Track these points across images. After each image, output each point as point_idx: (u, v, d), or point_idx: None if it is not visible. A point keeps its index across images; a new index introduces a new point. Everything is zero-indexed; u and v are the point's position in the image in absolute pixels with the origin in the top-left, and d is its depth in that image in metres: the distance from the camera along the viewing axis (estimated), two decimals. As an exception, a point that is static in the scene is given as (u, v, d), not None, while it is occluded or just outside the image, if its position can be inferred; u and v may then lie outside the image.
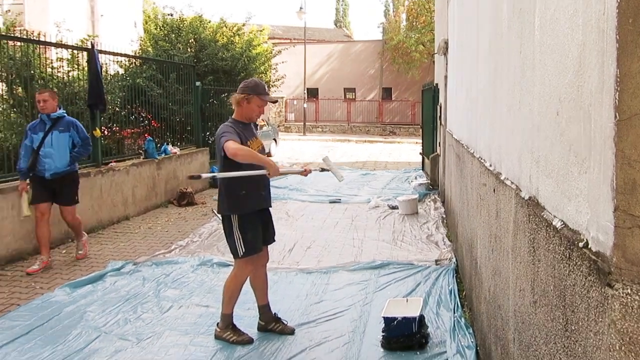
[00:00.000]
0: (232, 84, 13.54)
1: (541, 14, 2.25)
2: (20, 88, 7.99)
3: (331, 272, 6.02)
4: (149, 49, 13.20)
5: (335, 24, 64.02)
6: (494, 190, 3.38)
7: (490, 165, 3.67)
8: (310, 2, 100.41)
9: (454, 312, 4.78)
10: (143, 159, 9.55)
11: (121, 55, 9.85)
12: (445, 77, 9.37)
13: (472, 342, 4.19)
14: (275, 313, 4.60)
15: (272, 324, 4.53)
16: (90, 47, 8.37)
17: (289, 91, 33.46)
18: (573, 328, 1.76)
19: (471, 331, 4.37)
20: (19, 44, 7.76)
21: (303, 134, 30.62)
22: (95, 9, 23.24)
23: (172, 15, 14.38)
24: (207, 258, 6.44)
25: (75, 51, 8.54)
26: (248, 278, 4.44)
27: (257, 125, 4.46)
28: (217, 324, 4.44)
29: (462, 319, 4.61)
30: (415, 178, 13.16)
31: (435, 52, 11.91)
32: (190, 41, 13.44)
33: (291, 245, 7.18)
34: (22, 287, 5.63)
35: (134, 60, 11.10)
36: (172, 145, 10.89)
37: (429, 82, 13.89)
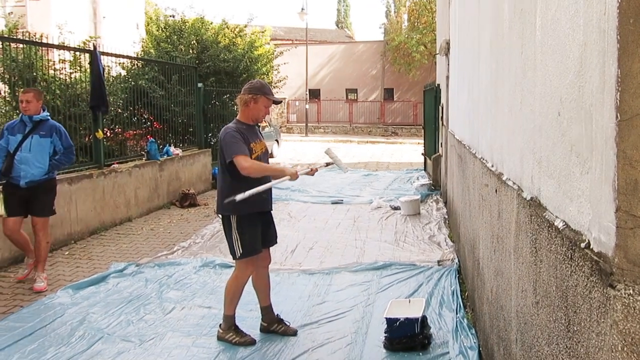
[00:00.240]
0: (234, 86, 13.55)
1: (542, 14, 2.25)
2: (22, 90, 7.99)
3: (333, 273, 6.02)
4: (151, 50, 13.22)
5: (337, 25, 64.02)
6: (496, 190, 3.38)
7: (492, 166, 3.66)
8: (311, 3, 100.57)
9: (457, 313, 4.77)
10: (145, 160, 9.56)
11: (123, 56, 9.87)
12: (447, 77, 9.37)
13: (474, 342, 4.18)
14: (277, 314, 4.61)
15: (274, 325, 4.53)
16: (92, 49, 8.38)
17: (291, 92, 33.47)
18: (575, 329, 1.76)
19: (474, 332, 4.36)
20: (21, 46, 7.78)
21: (305, 135, 30.64)
22: (97, 11, 23.30)
23: (174, 16, 14.39)
24: (209, 259, 6.45)
25: (77, 53, 8.55)
26: (250, 279, 4.44)
27: (260, 125, 4.46)
28: (220, 325, 4.44)
29: (465, 320, 4.60)
30: (418, 179, 13.15)
31: (437, 52, 11.91)
32: (192, 43, 13.45)
33: (293, 247, 7.19)
34: (25, 289, 5.63)
35: (136, 62, 11.11)
36: (175, 147, 10.90)
37: (431, 83, 13.89)
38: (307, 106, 31.84)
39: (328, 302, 5.22)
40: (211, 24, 14.29)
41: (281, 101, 4.80)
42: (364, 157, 19.69)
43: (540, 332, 2.23)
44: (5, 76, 7.79)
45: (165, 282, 5.77)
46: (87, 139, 8.60)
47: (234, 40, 14.05)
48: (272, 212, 4.54)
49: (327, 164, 4.80)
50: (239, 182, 4.11)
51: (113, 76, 9.93)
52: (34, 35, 8.29)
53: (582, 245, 1.67)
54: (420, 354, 4.11)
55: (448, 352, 4.12)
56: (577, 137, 1.77)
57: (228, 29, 14.32)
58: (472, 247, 4.84)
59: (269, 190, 4.39)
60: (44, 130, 5.68)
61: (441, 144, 10.93)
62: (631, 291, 1.42)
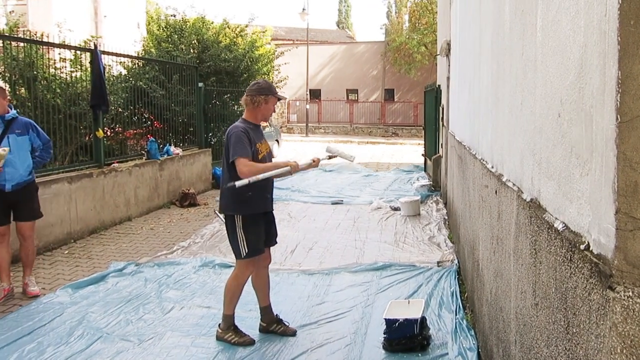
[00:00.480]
0: (235, 85, 13.55)
1: (543, 15, 2.25)
2: (23, 89, 8.00)
3: (333, 273, 6.02)
4: (152, 50, 13.21)
5: (338, 25, 64.05)
6: (496, 192, 3.38)
7: (492, 167, 3.66)
8: (313, 4, 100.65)
9: (456, 314, 4.77)
10: (145, 159, 9.56)
11: (124, 56, 9.87)
12: (448, 78, 9.37)
13: (473, 344, 4.18)
14: (277, 314, 4.60)
15: (273, 326, 4.52)
16: (93, 48, 8.38)
17: (292, 92, 33.47)
18: (574, 331, 1.75)
19: (473, 333, 4.36)
20: (22, 44, 7.78)
21: (305, 135, 30.63)
22: (98, 10, 23.30)
23: (174, 16, 14.39)
24: (209, 259, 6.44)
25: (78, 52, 8.55)
26: (250, 279, 4.44)
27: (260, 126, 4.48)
28: (219, 325, 4.44)
29: (464, 321, 4.60)
30: (418, 179, 13.15)
31: (438, 53, 11.91)
32: (193, 42, 13.44)
33: (293, 247, 7.18)
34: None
35: (137, 61, 11.12)
36: (175, 146, 10.90)
37: (432, 84, 13.89)
38: (307, 106, 31.85)
39: (327, 302, 5.21)
40: (212, 23, 14.28)
41: (285, 98, 4.82)
42: (365, 158, 19.68)
43: (539, 333, 2.22)
44: (6, 75, 7.78)
45: (165, 281, 5.77)
46: (87, 138, 8.61)
47: (234, 40, 14.04)
48: (273, 212, 4.55)
49: (330, 157, 4.80)
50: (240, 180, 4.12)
51: (114, 75, 9.93)
52: (35, 34, 8.28)
53: (582, 247, 1.67)
54: (420, 355, 4.11)
55: (447, 353, 4.12)
56: (577, 138, 1.77)
57: (229, 28, 14.32)
58: (471, 248, 4.84)
59: (271, 190, 4.40)
60: (19, 128, 5.33)
61: (441, 144, 10.93)
62: (630, 293, 1.42)
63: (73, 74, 8.64)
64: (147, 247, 7.26)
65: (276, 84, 16.11)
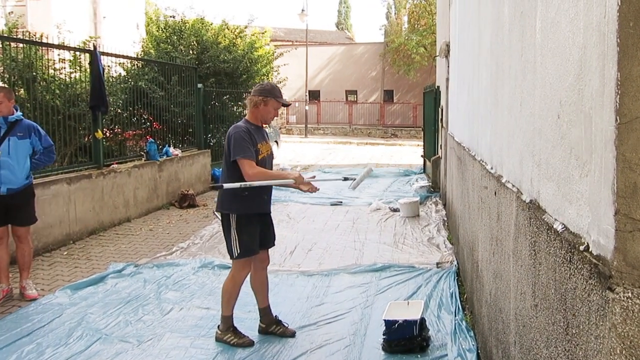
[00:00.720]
0: (234, 86, 13.56)
1: (542, 16, 2.25)
2: (22, 90, 8.00)
3: (332, 274, 6.02)
4: (151, 51, 13.22)
5: (337, 27, 64.07)
6: (495, 193, 3.38)
7: (492, 168, 3.66)
8: (312, 5, 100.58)
9: (455, 315, 4.77)
10: (145, 160, 9.56)
11: (123, 57, 9.86)
12: (447, 79, 9.37)
13: (473, 345, 4.18)
14: (276, 315, 4.60)
15: (273, 327, 4.52)
16: (92, 49, 8.38)
17: (291, 93, 33.47)
18: (574, 331, 1.75)
19: (472, 334, 4.36)
20: (21, 45, 7.78)
21: (304, 136, 30.64)
22: (97, 11, 23.31)
23: (174, 17, 14.40)
24: (208, 260, 6.44)
25: (77, 53, 8.55)
26: (248, 280, 4.44)
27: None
28: (218, 326, 4.44)
29: (463, 322, 4.60)
30: (417, 180, 13.15)
31: (437, 54, 11.92)
32: (192, 43, 13.45)
33: (292, 248, 7.18)
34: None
35: (136, 62, 11.12)
36: (174, 147, 10.90)
37: (431, 85, 13.90)
38: (306, 107, 31.85)
39: (327, 303, 5.21)
40: (211, 24, 14.29)
41: (290, 104, 4.80)
42: (364, 159, 19.69)
43: (539, 334, 2.23)
44: (5, 76, 7.78)
45: (164, 282, 5.77)
46: (86, 139, 8.60)
47: (234, 41, 14.05)
48: (271, 214, 4.55)
49: (345, 179, 4.84)
50: (240, 181, 4.13)
51: (113, 76, 9.93)
52: (34, 35, 8.29)
53: (581, 248, 1.67)
54: (419, 356, 4.11)
55: (446, 355, 4.12)
56: (576, 139, 1.77)
57: (228, 29, 14.32)
58: (471, 249, 4.84)
59: (269, 192, 4.39)
60: (21, 131, 5.29)
61: (441, 146, 10.93)
62: (630, 294, 1.42)
63: (72, 75, 8.64)
64: (146, 248, 7.25)
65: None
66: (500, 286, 3.18)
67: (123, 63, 10.61)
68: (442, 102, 10.58)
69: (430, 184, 11.82)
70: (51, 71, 8.36)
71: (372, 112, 35.25)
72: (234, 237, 4.20)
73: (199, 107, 12.03)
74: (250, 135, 4.19)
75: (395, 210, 9.49)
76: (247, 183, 4.09)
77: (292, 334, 4.50)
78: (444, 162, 9.89)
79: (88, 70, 8.50)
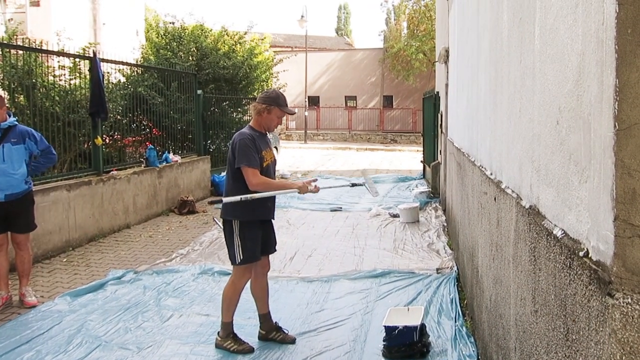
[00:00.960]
0: (234, 93, 13.58)
1: (541, 23, 2.26)
2: (22, 96, 8.01)
3: (332, 280, 6.01)
4: (151, 57, 13.25)
5: (337, 32, 64.24)
6: (495, 198, 3.38)
7: (491, 174, 3.67)
8: (311, 11, 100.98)
9: (455, 321, 4.77)
10: (144, 167, 9.56)
11: (123, 63, 9.88)
12: (446, 85, 9.39)
13: (473, 351, 4.18)
14: (276, 322, 4.60)
15: (273, 333, 4.52)
16: (92, 55, 8.40)
17: (290, 99, 33.49)
18: (574, 337, 1.75)
19: (472, 340, 4.35)
20: (21, 52, 7.79)
21: (304, 142, 30.66)
22: (97, 18, 23.38)
23: (173, 23, 14.43)
24: (208, 266, 6.44)
25: (77, 59, 8.57)
26: (248, 286, 4.44)
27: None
28: (218, 332, 4.43)
29: (464, 328, 4.59)
30: (417, 186, 13.16)
31: (436, 60, 11.95)
32: (191, 49, 13.48)
33: (292, 254, 7.18)
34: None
35: (136, 69, 11.14)
36: (174, 154, 10.91)
37: (430, 90, 13.92)
38: (306, 113, 31.88)
39: (327, 309, 5.21)
40: (211, 31, 14.32)
41: (294, 113, 4.80)
42: (363, 165, 19.69)
43: (539, 340, 2.22)
44: (5, 82, 7.80)
45: (164, 289, 5.76)
46: (86, 145, 8.61)
47: (233, 47, 14.08)
48: (273, 220, 4.56)
49: (354, 184, 4.85)
50: (244, 189, 4.15)
51: (112, 83, 9.95)
52: (34, 42, 8.30)
53: (581, 253, 1.67)
54: (419, 362, 4.10)
55: (447, 361, 4.11)
56: (575, 145, 1.78)
57: (228, 36, 14.35)
58: (471, 255, 4.84)
59: (273, 199, 4.40)
60: (15, 137, 5.24)
61: (440, 151, 10.94)
62: (630, 300, 1.42)
63: (72, 82, 8.65)
64: (145, 255, 7.25)
65: (275, 90, 16.09)
66: (500, 292, 3.18)
67: (122, 69, 10.63)
68: (442, 108, 10.60)
69: (430, 189, 11.83)
70: (51, 78, 8.38)
71: (371, 118, 35.29)
72: (237, 243, 4.20)
73: (199, 114, 12.04)
74: (254, 143, 4.20)
75: (395, 215, 9.48)
76: (248, 195, 4.11)
77: (292, 341, 4.49)
78: (444, 167, 9.90)
79: (88, 76, 8.51)
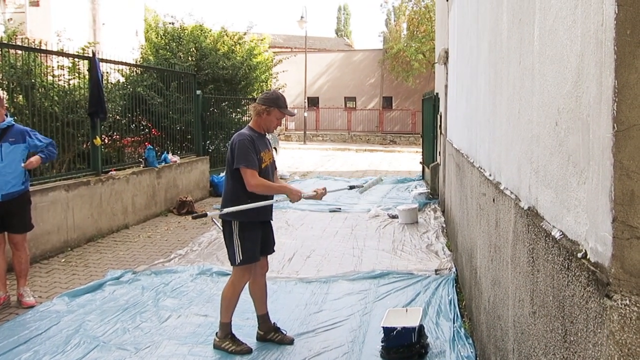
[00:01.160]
0: (233, 93, 13.57)
1: (540, 24, 2.26)
2: (21, 96, 8.00)
3: (331, 281, 6.00)
4: (150, 57, 13.24)
5: (337, 33, 64.27)
6: (494, 200, 3.38)
7: (490, 175, 3.67)
8: (311, 11, 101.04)
9: (454, 322, 4.76)
10: (143, 167, 9.55)
11: (122, 63, 9.88)
12: (446, 86, 9.39)
13: (471, 352, 4.17)
14: (274, 322, 4.59)
15: (271, 334, 4.51)
16: (91, 55, 8.39)
17: (290, 100, 33.40)
18: (572, 339, 1.75)
19: (471, 341, 4.35)
20: (20, 52, 7.78)
21: (303, 143, 30.65)
22: (97, 18, 23.38)
23: (173, 24, 14.43)
24: (206, 267, 6.43)
25: (76, 59, 8.56)
26: (246, 287, 4.43)
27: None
28: (216, 333, 4.43)
29: (462, 329, 4.59)
30: (416, 187, 13.16)
31: (436, 61, 11.95)
32: (191, 50, 13.48)
33: (291, 255, 7.17)
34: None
35: (135, 69, 11.13)
36: (173, 154, 10.90)
37: (430, 91, 13.92)
38: (305, 114, 31.88)
39: (325, 310, 5.20)
40: (210, 31, 14.33)
41: (294, 114, 4.80)
42: (362, 166, 19.70)
43: (537, 342, 2.22)
44: (4, 82, 7.79)
45: (162, 289, 5.75)
46: (85, 145, 8.60)
47: (232, 47, 14.08)
48: (271, 221, 4.56)
49: (351, 187, 4.87)
50: (243, 189, 4.14)
51: (112, 83, 9.94)
52: (33, 42, 8.29)
53: (579, 255, 1.67)
54: (417, 363, 4.10)
55: (445, 362, 4.11)
56: (574, 147, 1.78)
57: (227, 36, 14.36)
58: (469, 256, 4.84)
59: (271, 200, 4.40)
60: (13, 137, 5.26)
61: (439, 152, 10.94)
62: (627, 302, 1.42)
63: (71, 82, 8.64)
64: (144, 255, 7.24)
65: (274, 91, 16.09)
66: (498, 293, 3.18)
67: (122, 69, 10.62)
68: (441, 109, 10.60)
69: (429, 190, 11.82)
70: (50, 78, 8.37)
71: (370, 119, 35.30)
72: (237, 243, 4.20)
73: (198, 114, 12.04)
74: (253, 144, 4.20)
75: (394, 217, 9.48)
76: (242, 207, 4.11)
77: (290, 341, 4.49)
78: (443, 168, 9.90)
79: (87, 76, 8.50)
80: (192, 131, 12.12)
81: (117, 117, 9.80)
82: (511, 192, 2.87)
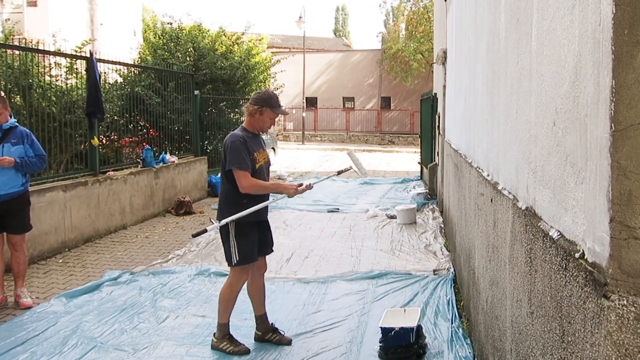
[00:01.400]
0: (231, 93, 13.56)
1: (538, 24, 2.26)
2: (18, 97, 7.98)
3: (329, 281, 6.00)
4: (148, 57, 13.23)
5: (335, 33, 64.32)
6: (492, 200, 3.38)
7: (488, 175, 3.66)
8: (309, 12, 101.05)
9: (452, 323, 4.76)
10: (141, 167, 9.54)
11: (120, 63, 9.86)
12: (444, 86, 9.39)
13: (469, 352, 4.17)
14: (272, 323, 4.58)
15: (269, 334, 4.50)
16: (89, 55, 8.38)
17: (288, 100, 33.53)
18: (569, 339, 1.75)
19: (469, 342, 4.35)
20: (17, 52, 7.77)
21: (302, 143, 30.65)
22: (94, 18, 23.35)
23: (171, 24, 14.43)
24: (204, 267, 6.42)
25: (74, 59, 8.54)
26: (245, 287, 4.42)
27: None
28: (214, 334, 4.42)
29: (460, 330, 4.59)
30: (414, 187, 13.16)
31: (434, 61, 11.95)
32: (189, 50, 13.47)
33: (289, 255, 7.16)
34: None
35: (133, 69, 11.12)
36: (170, 154, 10.88)
37: (428, 92, 13.93)
38: (304, 114, 31.88)
39: (323, 311, 5.19)
40: (208, 31, 14.32)
41: (287, 113, 4.81)
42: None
43: (534, 342, 2.22)
44: (1, 83, 7.77)
45: (160, 290, 5.74)
46: (82, 146, 8.59)
47: (231, 47, 14.07)
48: (268, 220, 4.55)
49: (340, 172, 4.83)
50: (237, 191, 4.14)
51: (109, 83, 9.93)
52: (31, 42, 8.28)
53: (577, 255, 1.67)
54: (415, 363, 4.09)
55: (443, 362, 4.11)
56: (571, 147, 1.77)
57: (225, 36, 14.35)
58: (467, 256, 4.84)
59: (267, 199, 4.39)
60: (15, 138, 5.28)
61: (438, 152, 10.94)
62: (625, 302, 1.42)
63: (68, 82, 8.63)
64: (142, 256, 7.23)
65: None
66: (496, 293, 3.18)
67: (120, 69, 10.61)
68: (439, 109, 10.60)
69: (427, 190, 11.82)
70: (47, 78, 8.35)
71: (369, 119, 35.32)
72: (233, 244, 4.20)
73: (196, 114, 12.03)
74: (246, 145, 4.19)
75: (392, 217, 9.48)
76: (240, 214, 4.10)
77: (289, 342, 4.48)
78: (441, 169, 9.90)
79: (84, 77, 8.49)
80: (190, 131, 12.11)
81: (115, 118, 9.79)
82: (509, 192, 2.87)
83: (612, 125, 1.42)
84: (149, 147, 9.81)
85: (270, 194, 4.44)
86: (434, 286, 5.70)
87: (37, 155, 5.41)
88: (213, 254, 7.16)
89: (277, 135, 27.42)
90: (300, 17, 31.02)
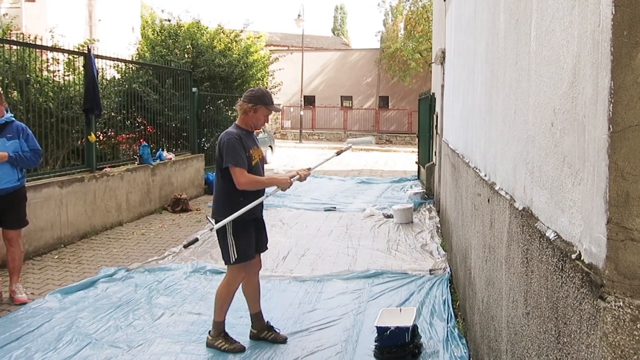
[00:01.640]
0: (229, 91, 13.54)
1: (537, 25, 2.25)
2: (15, 92, 7.96)
3: (325, 280, 6.00)
4: (146, 54, 13.20)
5: (333, 32, 64.29)
6: (489, 200, 3.38)
7: (485, 175, 3.66)
8: (308, 10, 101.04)
9: (448, 323, 4.76)
10: (138, 164, 9.52)
11: (117, 60, 9.83)
12: (442, 86, 9.39)
13: (465, 352, 4.17)
14: (267, 321, 4.58)
15: (264, 333, 4.50)
16: (87, 51, 8.35)
17: (286, 98, 33.51)
18: (565, 340, 1.75)
19: (464, 342, 4.35)
20: (15, 47, 7.74)
21: (299, 142, 30.65)
22: (93, 14, 23.26)
23: (169, 20, 14.40)
24: (200, 265, 6.41)
25: (71, 55, 8.52)
26: (240, 286, 4.42)
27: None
28: (209, 331, 4.41)
29: (456, 330, 4.59)
30: (411, 187, 13.16)
31: (433, 61, 11.95)
32: (187, 47, 13.45)
33: (285, 253, 7.16)
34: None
35: (131, 65, 11.09)
36: (168, 151, 10.86)
37: (426, 91, 13.93)
38: (301, 112, 31.87)
39: (319, 309, 5.19)
40: (207, 28, 14.29)
41: (280, 110, 4.83)
42: (358, 165, 19.69)
43: (530, 343, 2.22)
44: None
45: (155, 287, 5.73)
46: (79, 142, 8.56)
47: (229, 45, 14.05)
48: (263, 218, 4.54)
49: (339, 152, 4.86)
50: (233, 188, 4.13)
51: (107, 79, 9.90)
52: (28, 37, 8.25)
53: (573, 256, 1.67)
54: (411, 363, 4.09)
55: (438, 362, 4.11)
56: (569, 148, 1.77)
57: (223, 34, 14.33)
58: (464, 256, 4.84)
59: (260, 195, 4.38)
60: (11, 133, 5.24)
61: (435, 152, 10.95)
62: (621, 303, 1.41)
63: (66, 78, 8.60)
64: (138, 253, 7.21)
65: (270, 89, 16.12)
66: (492, 294, 3.18)
67: (117, 66, 10.58)
68: (437, 109, 10.60)
69: (424, 190, 11.83)
70: (45, 73, 8.32)
71: (367, 118, 35.31)
72: (231, 242, 4.19)
73: (193, 111, 12.00)
74: (241, 142, 4.18)
75: (389, 216, 9.48)
76: (234, 215, 4.09)
77: (284, 340, 4.48)
78: (438, 168, 9.90)
79: (82, 72, 8.46)
80: (187, 128, 12.09)
81: (112, 114, 9.76)
82: (506, 193, 2.87)
83: (610, 126, 1.41)
84: (146, 144, 9.79)
85: (265, 191, 4.43)
86: (430, 286, 5.70)
87: (32, 150, 5.37)
88: (209, 251, 7.15)
89: (274, 133, 27.39)
90: (299, 16, 30.98)
